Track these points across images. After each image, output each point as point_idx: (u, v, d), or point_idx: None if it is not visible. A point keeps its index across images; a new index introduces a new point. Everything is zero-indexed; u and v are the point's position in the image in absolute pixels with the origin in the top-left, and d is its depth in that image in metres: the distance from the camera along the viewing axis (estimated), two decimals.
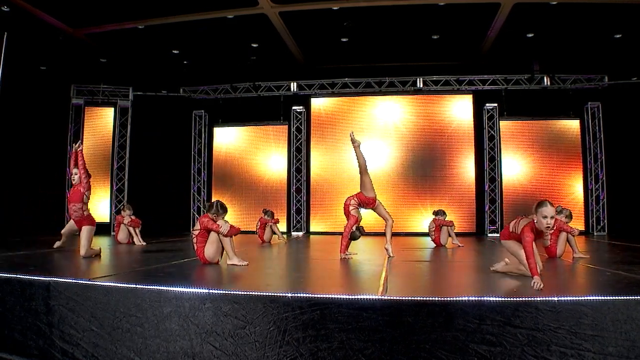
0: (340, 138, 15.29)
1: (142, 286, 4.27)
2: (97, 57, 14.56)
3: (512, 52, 14.41)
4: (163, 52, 14.57)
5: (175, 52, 14.56)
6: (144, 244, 10.22)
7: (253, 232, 11.71)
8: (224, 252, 6.54)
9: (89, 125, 15.13)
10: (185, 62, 15.41)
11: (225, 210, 6.61)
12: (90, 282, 4.50)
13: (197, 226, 6.47)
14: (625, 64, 14.27)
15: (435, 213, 10.36)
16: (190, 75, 16.12)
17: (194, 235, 6.49)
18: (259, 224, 11.28)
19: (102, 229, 14.65)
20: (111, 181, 14.92)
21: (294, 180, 15.54)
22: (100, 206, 14.82)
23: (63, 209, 14.53)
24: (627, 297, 3.73)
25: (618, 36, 12.91)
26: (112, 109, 15.29)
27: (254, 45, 14.04)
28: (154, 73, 15.88)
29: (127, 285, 4.33)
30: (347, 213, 7.64)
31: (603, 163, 14.39)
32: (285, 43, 13.77)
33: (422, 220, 14.31)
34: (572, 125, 14.70)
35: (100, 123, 15.26)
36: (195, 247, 6.47)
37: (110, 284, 4.45)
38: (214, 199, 7.15)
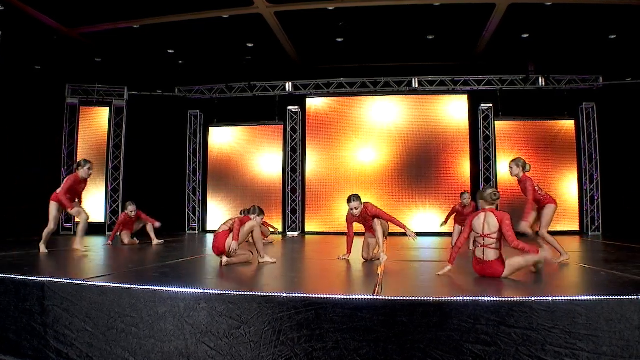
0: (336, 138, 15.30)
1: (136, 286, 4.27)
2: (92, 56, 14.51)
3: (507, 53, 14.44)
4: (158, 51, 14.54)
5: (170, 51, 14.53)
6: (162, 241, 10.43)
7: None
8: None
9: (83, 125, 15.09)
10: (180, 61, 15.38)
11: (262, 212, 7.19)
12: (84, 282, 4.49)
13: (229, 222, 6.72)
14: (619, 65, 14.32)
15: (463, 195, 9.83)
16: (185, 75, 16.10)
17: (225, 225, 6.69)
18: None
19: (98, 229, 14.60)
20: (106, 181, 14.88)
21: (289, 180, 15.54)
22: (95, 206, 14.77)
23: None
24: (621, 297, 3.75)
25: (613, 37, 12.94)
26: (107, 109, 15.25)
27: (250, 45, 14.02)
28: (149, 73, 15.85)
29: (122, 286, 4.32)
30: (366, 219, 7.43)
31: (598, 163, 14.43)
32: (280, 43, 13.76)
33: (417, 220, 14.33)
34: (567, 125, 14.73)
35: (95, 123, 15.22)
36: (218, 233, 6.62)
37: (105, 284, 4.44)
38: (251, 205, 7.48)
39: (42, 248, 7.92)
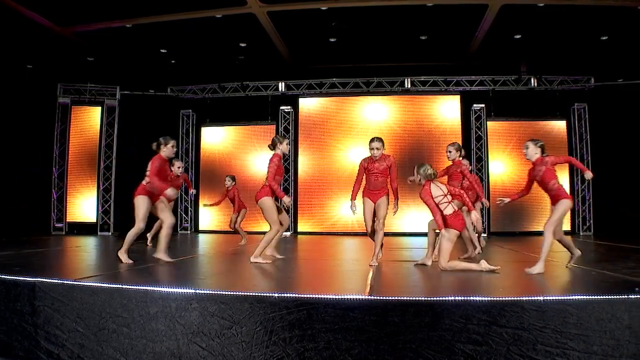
0: (328, 138, 15.29)
1: (128, 286, 4.25)
2: (84, 55, 14.45)
3: (499, 53, 14.48)
4: (151, 51, 14.50)
5: (163, 51, 14.49)
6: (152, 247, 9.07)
7: (239, 232, 11.40)
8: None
9: (75, 124, 15.01)
10: (173, 61, 15.34)
11: (284, 136, 7.15)
12: (75, 283, 4.48)
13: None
14: (611, 66, 14.38)
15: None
16: (177, 75, 16.05)
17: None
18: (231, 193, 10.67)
19: (89, 229, 14.54)
20: (98, 181, 14.79)
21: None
22: (86, 206, 14.72)
23: (49, 208, 14.43)
24: (612, 297, 3.78)
25: (604, 38, 13.00)
26: (99, 108, 15.16)
27: (242, 44, 14.00)
28: (142, 72, 15.79)
29: (113, 286, 4.31)
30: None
31: (589, 164, 14.48)
32: (273, 43, 13.74)
33: (409, 220, 14.34)
34: (559, 126, 14.77)
35: (87, 122, 15.14)
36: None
37: (96, 284, 4.43)
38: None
39: (124, 258, 6.61)
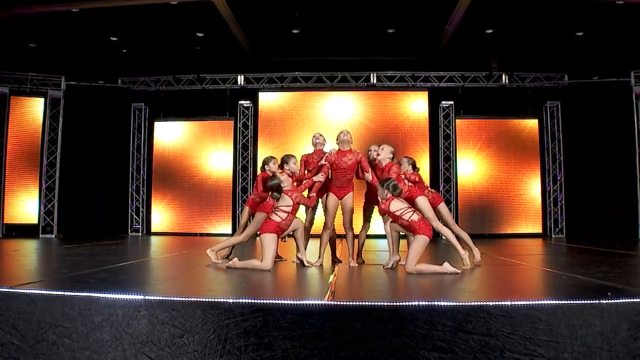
0: (290, 135, 15.24)
1: (70, 293, 4.16)
2: (26, 41, 14.09)
3: (470, 48, 14.64)
4: (100, 38, 14.22)
5: (113, 39, 14.24)
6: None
7: (194, 234, 11.33)
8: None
9: (15, 117, 14.58)
10: (124, 50, 15.10)
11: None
12: (11, 290, 4.36)
13: (288, 202, 6.54)
14: (586, 63, 14.63)
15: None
16: (129, 65, 15.78)
17: (285, 212, 6.50)
18: None
19: (29, 231, 14.21)
20: (40, 179, 14.45)
21: (240, 180, 15.43)
22: (27, 206, 14.37)
23: None
24: (583, 302, 3.84)
25: (580, 34, 13.22)
26: (41, 100, 14.78)
27: (199, 34, 13.87)
28: (90, 61, 15.47)
29: (54, 293, 4.21)
30: None
31: (561, 164, 14.77)
32: (232, 33, 13.65)
33: (373, 221, 14.39)
34: (531, 124, 15.01)
35: (28, 115, 14.74)
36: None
37: (35, 291, 4.32)
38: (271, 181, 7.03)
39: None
